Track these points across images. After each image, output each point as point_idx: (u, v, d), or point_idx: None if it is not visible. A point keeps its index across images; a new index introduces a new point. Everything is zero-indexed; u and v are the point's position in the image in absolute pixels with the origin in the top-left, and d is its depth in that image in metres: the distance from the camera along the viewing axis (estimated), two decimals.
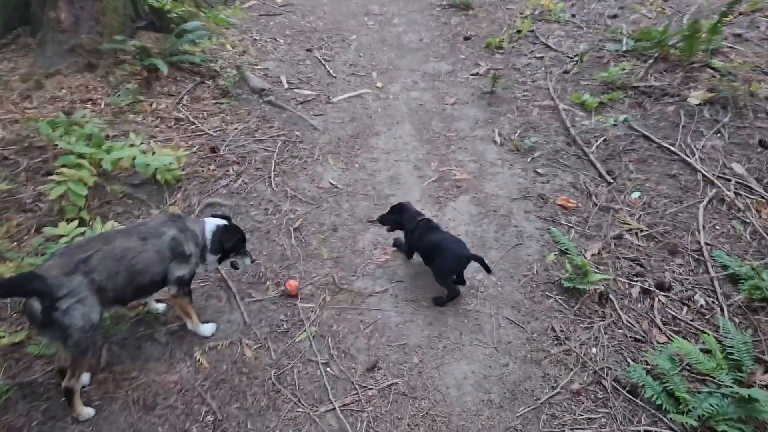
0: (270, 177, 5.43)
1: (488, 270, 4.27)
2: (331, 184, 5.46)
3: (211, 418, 3.50)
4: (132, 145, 5.09)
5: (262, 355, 3.88)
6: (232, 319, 4.08)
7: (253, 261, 4.18)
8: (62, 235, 4.09)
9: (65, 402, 3.36)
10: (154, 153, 5.13)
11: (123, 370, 3.68)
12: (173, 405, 3.53)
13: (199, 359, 3.79)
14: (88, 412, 3.43)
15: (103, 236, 3.47)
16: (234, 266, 4.10)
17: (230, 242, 3.89)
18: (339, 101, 6.71)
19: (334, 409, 3.60)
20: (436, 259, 4.31)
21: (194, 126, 6.03)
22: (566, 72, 7.25)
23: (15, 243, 4.37)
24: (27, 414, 3.38)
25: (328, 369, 3.84)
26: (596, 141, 6.00)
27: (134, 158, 4.88)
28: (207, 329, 3.99)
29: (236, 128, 6.07)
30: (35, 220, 4.57)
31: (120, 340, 3.83)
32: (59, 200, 4.52)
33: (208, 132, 5.94)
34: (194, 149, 5.67)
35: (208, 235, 3.80)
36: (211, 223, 3.86)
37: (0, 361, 3.58)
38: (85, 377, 3.57)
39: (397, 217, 4.56)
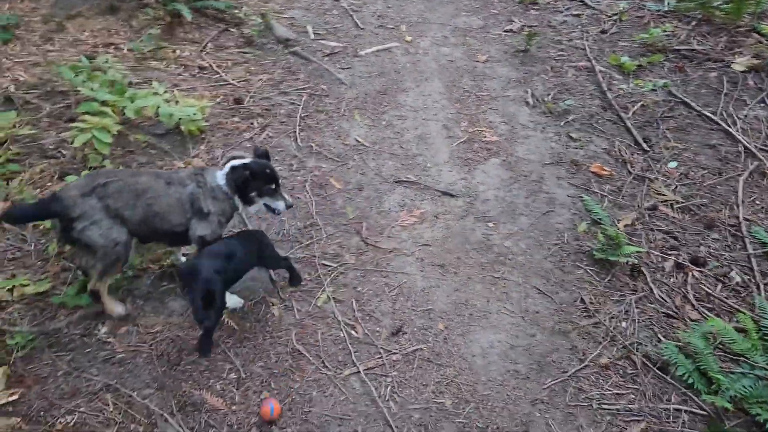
0: (295, 131, 5.30)
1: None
2: (357, 141, 5.32)
3: (235, 376, 3.47)
4: (155, 94, 4.96)
5: (286, 315, 3.83)
6: (256, 276, 4.02)
7: (289, 206, 3.73)
8: None
9: (97, 303, 3.53)
10: (177, 102, 5.01)
11: (147, 323, 3.65)
12: (197, 361, 3.50)
13: (224, 318, 3.74)
14: (120, 309, 3.53)
15: (131, 171, 3.68)
16: (270, 210, 3.73)
17: (243, 182, 3.50)
18: (367, 55, 6.49)
19: (358, 372, 3.56)
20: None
21: (218, 76, 5.87)
22: (604, 32, 6.95)
23: (38, 190, 4.31)
24: (52, 364, 3.37)
25: (352, 332, 3.79)
26: (633, 106, 5.77)
27: (158, 107, 4.77)
28: (232, 301, 3.76)
29: (261, 79, 5.91)
30: (58, 166, 4.50)
31: (144, 293, 3.79)
32: (83, 148, 4.44)
33: (232, 82, 5.79)
34: (218, 100, 5.53)
35: (222, 182, 3.53)
36: (227, 167, 3.56)
37: (25, 309, 3.56)
38: (120, 307, 3.64)
39: None
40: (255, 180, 3.54)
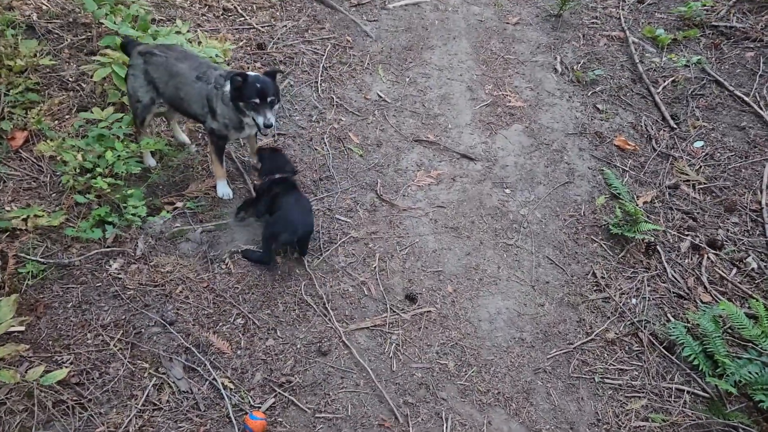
0: (317, 82, 5.21)
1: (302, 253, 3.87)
2: (379, 96, 5.22)
3: (242, 321, 3.50)
4: (178, 32, 4.86)
5: (296, 265, 3.83)
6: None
7: (268, 126, 3.60)
8: (100, 120, 3.99)
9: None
10: (200, 43, 4.91)
11: (158, 263, 3.66)
12: (205, 304, 3.53)
13: (226, 262, 3.75)
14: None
15: (178, 51, 3.94)
16: (258, 127, 3.71)
17: (234, 89, 3.59)
18: (395, 8, 6.32)
19: (365, 328, 3.57)
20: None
21: (242, 19, 5.75)
22: (641, 2, 6.72)
23: (56, 121, 4.28)
24: (62, 295, 3.40)
25: (361, 287, 3.79)
26: (664, 81, 5.62)
27: (182, 47, 4.67)
28: (222, 190, 4.10)
29: (285, 26, 5.78)
30: (77, 99, 4.46)
31: (156, 233, 3.79)
32: (102, 82, 4.39)
33: (256, 26, 5.67)
34: (241, 43, 5.43)
35: (227, 89, 3.71)
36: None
37: (38, 240, 3.57)
38: (151, 160, 4.23)
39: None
40: (244, 89, 3.59)
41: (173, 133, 4.44)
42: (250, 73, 3.72)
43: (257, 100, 3.58)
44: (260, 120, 3.62)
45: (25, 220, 3.61)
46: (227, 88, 3.69)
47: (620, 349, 3.67)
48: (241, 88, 3.59)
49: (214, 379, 3.18)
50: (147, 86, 3.87)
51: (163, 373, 3.18)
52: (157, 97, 3.91)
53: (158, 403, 3.06)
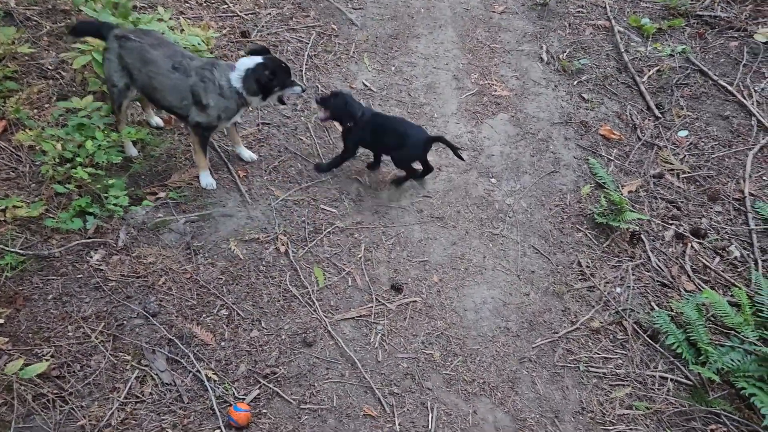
0: (301, 71, 5.15)
1: (458, 156, 4.25)
2: (365, 85, 5.18)
3: (226, 312, 3.47)
4: (160, 20, 4.78)
5: (281, 256, 3.80)
6: (253, 215, 3.97)
7: (303, 89, 4.00)
8: (79, 109, 3.92)
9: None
10: (182, 31, 4.83)
11: (140, 254, 3.61)
12: (188, 295, 3.49)
13: (211, 255, 3.71)
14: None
15: (154, 37, 3.83)
16: (281, 101, 4.08)
17: (266, 81, 3.72)
18: None
19: (350, 318, 3.56)
20: (397, 146, 4.18)
21: (225, 6, 5.67)
22: None
23: (35, 110, 4.20)
24: (42, 287, 3.35)
25: (346, 277, 3.77)
26: (649, 70, 5.62)
27: (162, 34, 4.60)
28: (205, 180, 4.06)
29: (269, 13, 5.70)
30: (57, 88, 4.38)
31: (139, 223, 3.74)
32: (82, 70, 4.31)
33: (239, 14, 5.59)
34: (224, 31, 5.35)
35: (237, 84, 3.71)
36: (242, 68, 3.72)
37: (17, 231, 3.51)
38: (133, 150, 4.14)
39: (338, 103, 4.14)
40: (277, 76, 3.76)
41: (146, 117, 4.37)
42: (259, 61, 3.74)
43: (290, 77, 3.86)
44: (297, 88, 3.92)
45: (3, 210, 3.54)
46: (231, 83, 3.70)
47: (605, 338, 3.69)
48: (271, 77, 3.72)
49: (197, 371, 3.15)
50: (121, 71, 3.77)
51: (146, 366, 3.15)
52: (132, 83, 3.82)
53: (141, 396, 3.03)
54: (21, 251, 3.41)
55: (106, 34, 3.82)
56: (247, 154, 4.31)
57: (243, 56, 3.95)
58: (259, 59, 3.76)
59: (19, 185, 3.80)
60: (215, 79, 3.69)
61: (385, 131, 4.16)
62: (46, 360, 3.00)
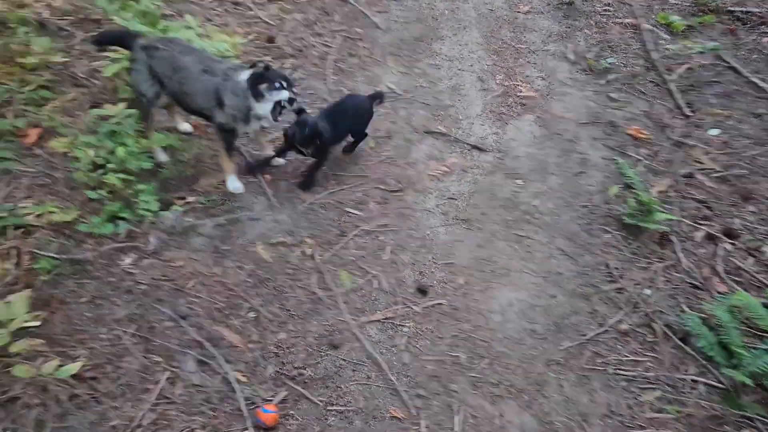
0: (327, 75, 5.19)
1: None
2: (390, 88, 5.20)
3: (253, 315, 3.52)
4: (188, 27, 4.87)
5: (307, 258, 3.84)
6: (279, 219, 4.02)
7: (291, 99, 3.82)
8: (111, 116, 4.02)
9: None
10: (209, 37, 4.91)
11: (170, 258, 3.68)
12: (217, 298, 3.54)
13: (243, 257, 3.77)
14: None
15: (181, 44, 3.95)
16: (279, 107, 3.85)
17: (258, 74, 3.75)
18: None
19: (376, 320, 3.57)
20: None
21: (252, 12, 5.75)
22: None
23: (69, 118, 4.31)
24: (76, 290, 3.44)
25: (372, 280, 3.79)
26: (679, 68, 5.53)
27: (189, 41, 4.68)
28: (232, 184, 4.10)
29: (295, 18, 5.77)
30: (90, 96, 4.48)
31: (168, 228, 3.81)
32: (113, 78, 4.41)
33: (265, 20, 5.66)
34: (250, 37, 5.42)
35: (244, 78, 3.79)
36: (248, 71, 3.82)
37: (52, 236, 3.60)
38: (163, 155, 4.22)
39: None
40: (267, 74, 3.77)
41: (175, 124, 4.45)
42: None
43: (284, 83, 3.79)
44: (284, 93, 3.77)
45: (39, 216, 3.64)
46: (240, 79, 3.77)
47: (634, 341, 3.64)
48: (263, 72, 3.76)
49: (226, 372, 3.20)
50: (151, 80, 3.87)
51: (176, 367, 3.21)
52: (162, 90, 3.92)
53: (171, 397, 3.08)
54: (56, 255, 3.51)
55: (129, 44, 3.92)
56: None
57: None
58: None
59: (54, 191, 3.90)
60: (233, 77, 3.80)
61: (343, 119, 4.26)
62: (80, 361, 3.07)
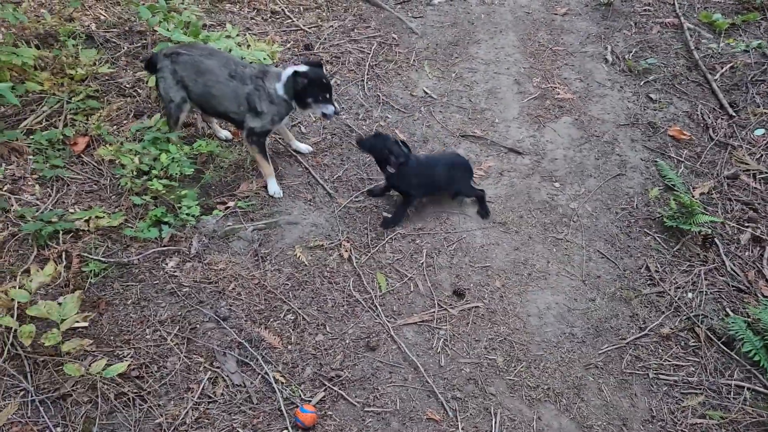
0: (363, 80, 5.25)
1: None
2: (425, 92, 5.23)
3: (292, 317, 3.58)
4: (228, 37, 5.00)
5: (344, 262, 3.89)
6: (317, 223, 4.08)
7: (337, 112, 4.05)
8: (150, 126, 4.17)
9: None
10: (249, 46, 5.03)
11: (211, 261, 3.78)
12: (257, 300, 3.62)
13: (279, 260, 3.84)
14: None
15: (203, 48, 4.04)
16: (323, 114, 4.03)
17: (301, 89, 3.85)
18: (440, 3, 6.31)
19: (413, 323, 3.59)
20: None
21: (289, 20, 5.86)
22: None
23: (115, 126, 4.47)
24: (122, 293, 3.56)
25: (408, 283, 3.81)
26: (722, 68, 5.41)
27: (230, 50, 4.80)
28: (273, 188, 4.20)
29: (332, 26, 5.85)
30: (134, 105, 4.65)
31: (210, 232, 3.91)
32: (157, 88, 4.55)
33: (303, 28, 5.76)
34: (288, 45, 5.53)
35: (281, 92, 3.90)
36: (284, 77, 3.89)
37: (99, 240, 3.74)
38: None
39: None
40: (311, 87, 3.87)
41: (214, 131, 4.59)
42: (302, 69, 3.86)
43: (327, 94, 3.93)
44: (329, 108, 3.96)
45: (87, 221, 3.79)
46: (276, 89, 3.88)
47: (675, 345, 3.57)
48: (306, 87, 3.84)
49: (266, 373, 3.27)
50: (177, 86, 3.96)
51: (218, 367, 3.29)
52: (188, 95, 4.01)
53: (213, 396, 3.16)
54: (103, 259, 3.64)
55: (155, 62, 4.00)
56: (304, 147, 4.55)
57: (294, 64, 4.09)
58: (302, 68, 3.87)
59: (101, 197, 4.05)
60: (265, 86, 3.90)
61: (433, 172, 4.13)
62: (126, 361, 3.18)
